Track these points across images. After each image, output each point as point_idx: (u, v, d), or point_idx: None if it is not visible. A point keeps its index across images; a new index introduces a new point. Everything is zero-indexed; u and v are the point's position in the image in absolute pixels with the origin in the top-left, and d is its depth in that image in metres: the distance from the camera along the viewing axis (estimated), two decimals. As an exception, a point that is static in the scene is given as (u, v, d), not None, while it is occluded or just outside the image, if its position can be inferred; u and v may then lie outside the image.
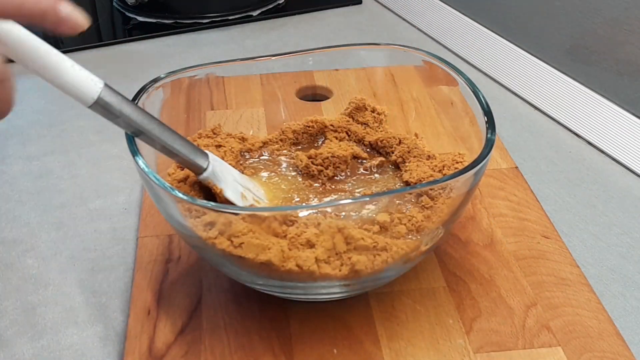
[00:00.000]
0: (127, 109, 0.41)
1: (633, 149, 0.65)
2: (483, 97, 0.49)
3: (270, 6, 0.97)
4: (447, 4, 0.88)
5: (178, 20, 0.93)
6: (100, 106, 0.40)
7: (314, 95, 0.63)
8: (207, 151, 0.47)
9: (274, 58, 0.55)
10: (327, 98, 0.63)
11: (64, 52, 0.38)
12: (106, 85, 0.40)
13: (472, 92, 0.50)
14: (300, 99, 0.62)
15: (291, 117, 0.59)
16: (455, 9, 0.87)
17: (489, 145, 0.45)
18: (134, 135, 0.44)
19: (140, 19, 0.94)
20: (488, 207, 0.57)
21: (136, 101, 0.49)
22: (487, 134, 0.46)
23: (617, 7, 0.65)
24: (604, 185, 0.63)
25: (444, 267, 0.52)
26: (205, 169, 0.46)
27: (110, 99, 0.40)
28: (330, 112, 0.61)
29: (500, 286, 0.50)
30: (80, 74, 0.38)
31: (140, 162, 0.43)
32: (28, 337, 0.49)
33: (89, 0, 1.02)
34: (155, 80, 0.51)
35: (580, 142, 0.69)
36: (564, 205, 0.60)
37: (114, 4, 0.98)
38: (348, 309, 0.48)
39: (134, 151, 0.44)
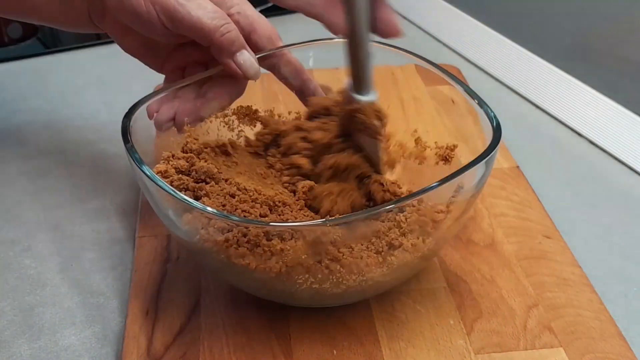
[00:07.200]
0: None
1: (635, 148, 0.64)
2: (476, 94, 0.49)
3: (270, 5, 0.97)
4: (447, 3, 0.88)
5: (177, 19, 0.92)
6: None
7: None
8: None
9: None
10: (327, 97, 0.62)
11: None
12: None
13: (466, 92, 0.49)
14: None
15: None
16: (457, 7, 0.87)
17: (497, 129, 0.45)
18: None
19: (140, 17, 0.93)
20: (489, 207, 0.57)
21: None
22: (492, 121, 0.46)
23: (618, 6, 0.65)
24: (606, 185, 0.63)
25: (444, 267, 0.51)
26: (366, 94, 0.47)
27: None
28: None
29: (501, 286, 0.50)
30: None
31: (146, 170, 0.42)
32: (25, 338, 0.48)
33: None
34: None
35: (582, 141, 0.69)
36: (565, 205, 0.60)
37: (113, 2, 0.98)
38: (348, 309, 0.48)
39: (137, 160, 0.43)
